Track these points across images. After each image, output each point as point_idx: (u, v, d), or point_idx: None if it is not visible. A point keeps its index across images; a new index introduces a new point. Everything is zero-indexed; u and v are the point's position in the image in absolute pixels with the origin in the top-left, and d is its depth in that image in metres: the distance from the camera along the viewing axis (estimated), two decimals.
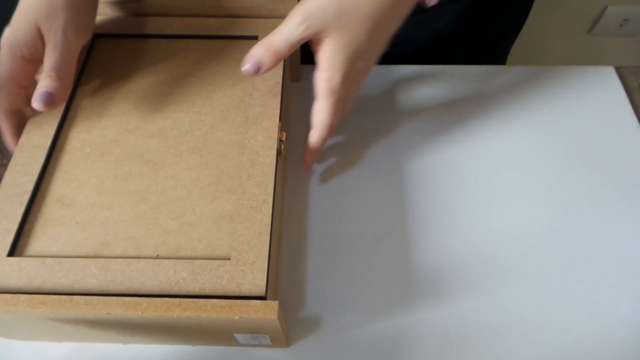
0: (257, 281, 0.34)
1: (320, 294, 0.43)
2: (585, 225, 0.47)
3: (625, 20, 1.38)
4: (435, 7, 0.53)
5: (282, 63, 0.44)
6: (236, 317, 0.32)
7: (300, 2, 0.38)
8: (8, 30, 0.38)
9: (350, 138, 0.52)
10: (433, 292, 0.43)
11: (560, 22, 1.29)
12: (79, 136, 0.41)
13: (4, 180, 0.38)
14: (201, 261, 0.34)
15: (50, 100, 0.37)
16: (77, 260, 0.35)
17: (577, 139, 0.52)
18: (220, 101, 0.43)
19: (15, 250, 0.35)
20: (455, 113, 0.54)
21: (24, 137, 0.40)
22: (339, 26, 0.37)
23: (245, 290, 0.33)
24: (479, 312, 0.42)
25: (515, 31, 0.68)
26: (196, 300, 0.32)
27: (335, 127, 0.42)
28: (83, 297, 0.32)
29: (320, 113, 0.41)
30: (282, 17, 0.47)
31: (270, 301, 0.32)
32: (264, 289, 0.33)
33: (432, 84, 0.56)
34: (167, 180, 0.39)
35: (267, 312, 0.32)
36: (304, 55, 0.53)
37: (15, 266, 0.34)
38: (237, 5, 0.47)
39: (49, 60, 0.38)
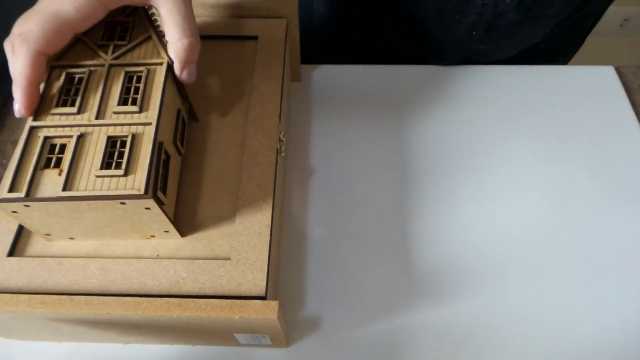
0: (257, 281, 0.34)
1: (320, 294, 0.43)
2: (585, 225, 0.47)
3: (625, 20, 1.38)
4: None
5: (282, 63, 0.44)
6: (236, 317, 0.32)
7: None
8: None
9: (350, 138, 0.52)
10: (433, 292, 0.43)
11: None
12: None
13: (4, 181, 0.38)
14: (201, 261, 0.35)
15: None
16: (77, 260, 0.35)
17: (577, 138, 0.52)
18: (220, 101, 0.43)
19: (15, 250, 0.35)
20: (456, 113, 0.54)
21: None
22: None
23: (245, 290, 0.33)
24: (479, 312, 0.42)
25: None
26: (196, 300, 0.32)
27: None
28: (83, 297, 0.32)
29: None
30: (282, 17, 0.47)
31: (270, 301, 0.32)
32: (264, 289, 0.33)
33: (432, 83, 0.56)
34: None
35: (267, 312, 0.32)
36: (304, 55, 0.53)
37: (15, 266, 0.34)
38: (237, 5, 0.47)
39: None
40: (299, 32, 0.50)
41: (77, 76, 0.35)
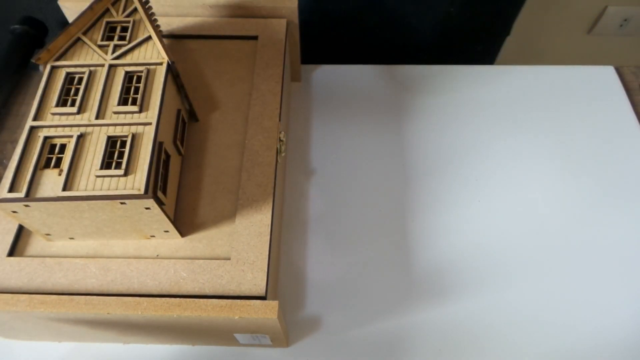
0: (257, 281, 0.34)
1: (320, 294, 0.43)
2: (585, 225, 0.47)
3: (625, 20, 1.38)
4: None
5: (282, 63, 0.44)
6: (236, 317, 0.32)
7: None
8: None
9: (350, 138, 0.52)
10: (433, 292, 0.43)
11: (560, 22, 1.29)
12: None
13: (4, 180, 0.38)
14: (201, 261, 0.34)
15: None
16: (77, 260, 0.35)
17: (577, 138, 0.52)
18: (220, 101, 0.43)
19: (15, 250, 0.35)
20: (456, 113, 0.54)
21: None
22: None
23: (245, 290, 0.33)
24: (479, 312, 0.42)
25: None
26: (196, 300, 0.32)
27: None
28: (83, 297, 0.32)
29: None
30: (282, 17, 0.47)
31: (270, 301, 0.32)
32: (264, 288, 0.33)
33: (432, 83, 0.56)
34: None
35: (267, 312, 0.32)
36: (303, 55, 0.53)
37: (15, 266, 0.34)
38: (237, 5, 0.47)
39: None
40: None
41: (77, 76, 0.35)
